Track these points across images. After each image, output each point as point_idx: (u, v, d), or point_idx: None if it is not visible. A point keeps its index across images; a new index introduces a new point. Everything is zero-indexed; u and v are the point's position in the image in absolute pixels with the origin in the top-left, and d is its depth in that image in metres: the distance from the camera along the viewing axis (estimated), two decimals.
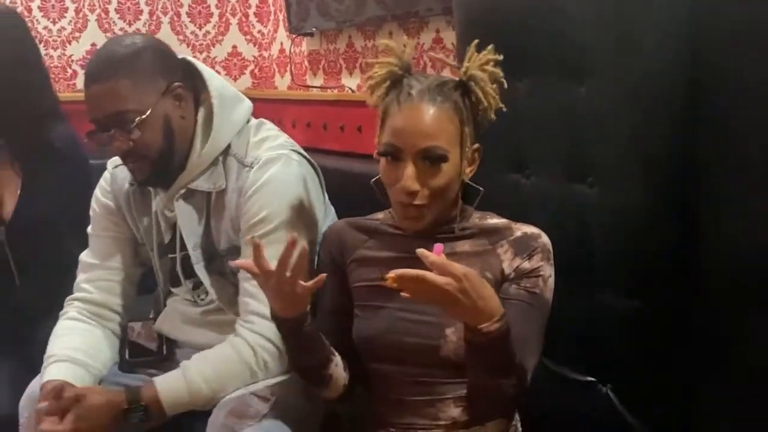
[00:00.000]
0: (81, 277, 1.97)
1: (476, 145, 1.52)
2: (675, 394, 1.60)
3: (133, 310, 2.02)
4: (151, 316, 2.08)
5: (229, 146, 1.81)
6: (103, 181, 1.98)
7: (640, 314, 1.60)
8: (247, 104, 1.89)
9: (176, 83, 1.78)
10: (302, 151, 1.86)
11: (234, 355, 1.70)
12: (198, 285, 1.89)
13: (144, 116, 1.72)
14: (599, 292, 1.64)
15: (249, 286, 1.73)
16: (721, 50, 1.46)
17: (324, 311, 1.65)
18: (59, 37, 3.45)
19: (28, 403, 1.78)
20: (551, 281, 1.51)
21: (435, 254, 1.28)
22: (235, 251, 1.80)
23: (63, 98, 2.46)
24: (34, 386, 1.81)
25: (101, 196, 1.97)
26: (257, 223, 1.73)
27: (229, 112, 1.83)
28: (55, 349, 1.83)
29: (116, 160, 1.95)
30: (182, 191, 1.81)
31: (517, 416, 1.63)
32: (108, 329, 1.93)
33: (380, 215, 1.66)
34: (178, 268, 1.88)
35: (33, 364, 1.93)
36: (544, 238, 1.53)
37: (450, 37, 2.61)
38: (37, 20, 3.36)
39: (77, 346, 1.83)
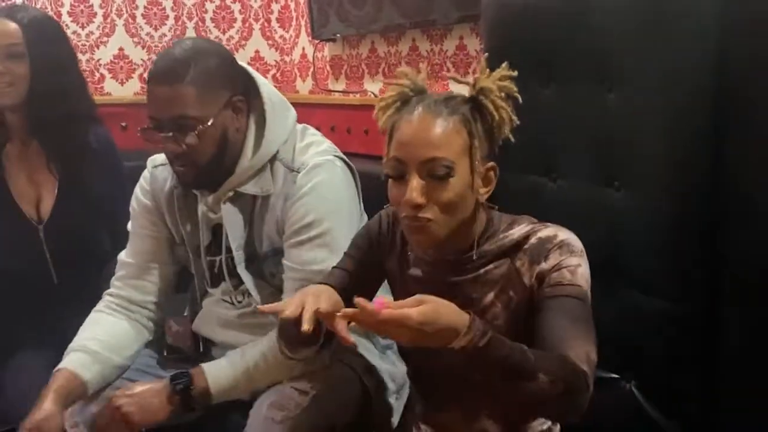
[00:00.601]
0: (116, 275, 2.01)
1: (491, 164, 1.45)
2: (700, 393, 1.62)
3: (168, 308, 2.05)
4: (185, 313, 2.10)
5: (276, 151, 1.84)
6: (143, 181, 2.01)
7: (666, 314, 1.62)
8: (293, 111, 1.92)
9: (237, 96, 1.80)
10: (344, 157, 1.90)
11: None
12: (236, 286, 1.92)
13: (205, 125, 1.74)
14: (627, 293, 1.66)
15: (291, 283, 1.78)
16: (750, 54, 1.48)
17: (343, 269, 1.63)
18: (87, 41, 3.51)
19: None
20: (581, 270, 1.41)
21: (377, 307, 1.18)
22: (277, 253, 1.84)
23: None
24: None
25: (141, 195, 2.00)
26: (303, 227, 1.78)
27: (280, 119, 1.86)
28: (74, 341, 1.88)
29: (156, 159, 1.99)
30: (230, 194, 1.84)
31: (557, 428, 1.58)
32: (136, 321, 1.97)
33: None
34: (223, 268, 1.90)
35: None
36: (562, 235, 1.44)
37: (473, 44, 2.66)
38: (66, 25, 3.41)
39: (93, 336, 1.88)
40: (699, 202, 1.57)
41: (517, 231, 1.47)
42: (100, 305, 1.98)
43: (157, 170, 1.99)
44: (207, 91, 1.74)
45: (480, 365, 1.25)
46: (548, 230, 1.46)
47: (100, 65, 3.55)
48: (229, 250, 1.88)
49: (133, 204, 2.02)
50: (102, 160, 2.34)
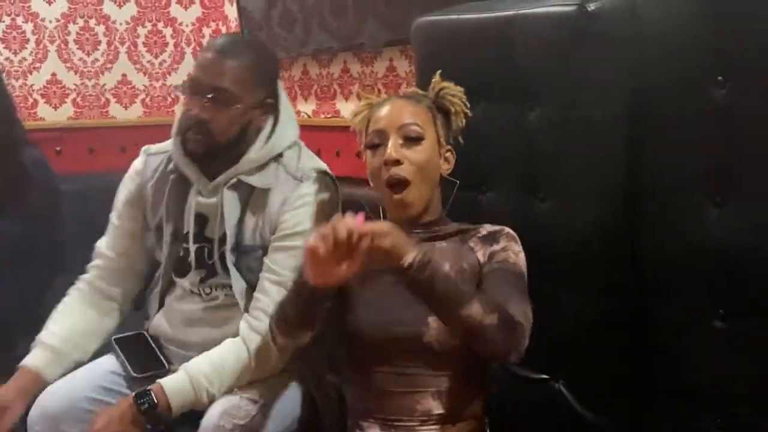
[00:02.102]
0: (93, 263, 2.09)
1: (449, 147, 1.73)
2: (628, 389, 1.71)
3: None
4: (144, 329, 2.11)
5: (281, 155, 1.94)
6: (137, 165, 2.07)
7: (593, 313, 1.72)
8: (296, 124, 2.03)
9: (269, 99, 1.93)
10: (333, 176, 1.99)
11: (235, 356, 1.82)
12: (204, 278, 1.96)
13: (238, 106, 1.85)
14: (554, 296, 1.74)
15: (267, 283, 1.85)
16: (663, 73, 1.59)
17: None
18: (20, 67, 3.53)
19: (39, 417, 1.87)
20: (522, 256, 1.65)
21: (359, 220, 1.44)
22: (259, 249, 1.90)
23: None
24: (44, 400, 1.88)
25: (129, 181, 2.06)
26: (292, 234, 1.86)
27: (290, 127, 1.98)
28: (44, 333, 1.98)
29: (151, 148, 2.06)
30: (233, 181, 1.90)
31: (486, 420, 1.70)
32: (104, 315, 2.06)
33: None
34: (191, 256, 1.95)
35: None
36: (507, 229, 1.68)
37: (403, 66, 2.75)
38: None
39: (62, 334, 1.98)
40: (619, 207, 1.68)
41: (467, 225, 1.72)
42: (73, 292, 2.06)
43: (152, 157, 2.05)
44: (252, 80, 1.88)
45: (423, 283, 1.46)
46: (496, 227, 1.70)
47: (33, 90, 3.56)
48: (207, 240, 1.93)
49: (119, 194, 2.08)
50: (40, 182, 2.38)
